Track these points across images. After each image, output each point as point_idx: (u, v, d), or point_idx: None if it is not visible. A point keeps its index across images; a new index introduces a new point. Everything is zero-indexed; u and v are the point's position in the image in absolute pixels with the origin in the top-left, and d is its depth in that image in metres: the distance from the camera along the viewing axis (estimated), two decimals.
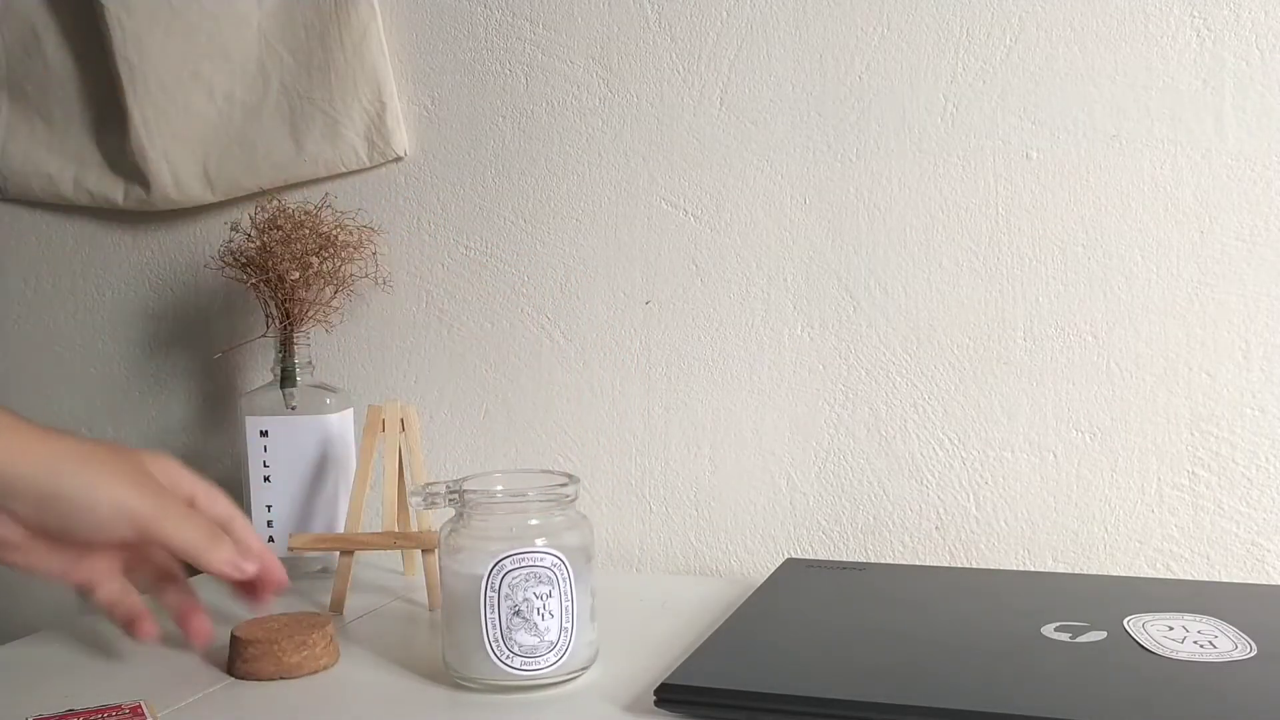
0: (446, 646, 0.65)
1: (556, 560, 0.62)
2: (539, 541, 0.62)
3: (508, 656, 0.62)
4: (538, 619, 0.62)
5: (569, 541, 0.63)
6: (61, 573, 0.67)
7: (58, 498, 0.61)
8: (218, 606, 0.85)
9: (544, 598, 0.62)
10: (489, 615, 0.61)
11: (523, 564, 0.61)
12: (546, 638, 0.62)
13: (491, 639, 0.62)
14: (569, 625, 0.62)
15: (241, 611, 0.76)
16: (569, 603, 0.62)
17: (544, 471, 0.68)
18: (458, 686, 0.64)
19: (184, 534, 0.63)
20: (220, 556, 0.64)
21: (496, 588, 0.61)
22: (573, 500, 0.65)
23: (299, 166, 1.03)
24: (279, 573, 0.68)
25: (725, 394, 0.92)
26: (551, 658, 0.62)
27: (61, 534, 0.63)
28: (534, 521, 0.63)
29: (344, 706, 0.63)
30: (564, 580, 0.62)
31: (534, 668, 0.62)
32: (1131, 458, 0.82)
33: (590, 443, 0.96)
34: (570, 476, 0.66)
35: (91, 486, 0.61)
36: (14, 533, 0.63)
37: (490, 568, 0.61)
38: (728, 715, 0.58)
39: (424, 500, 0.65)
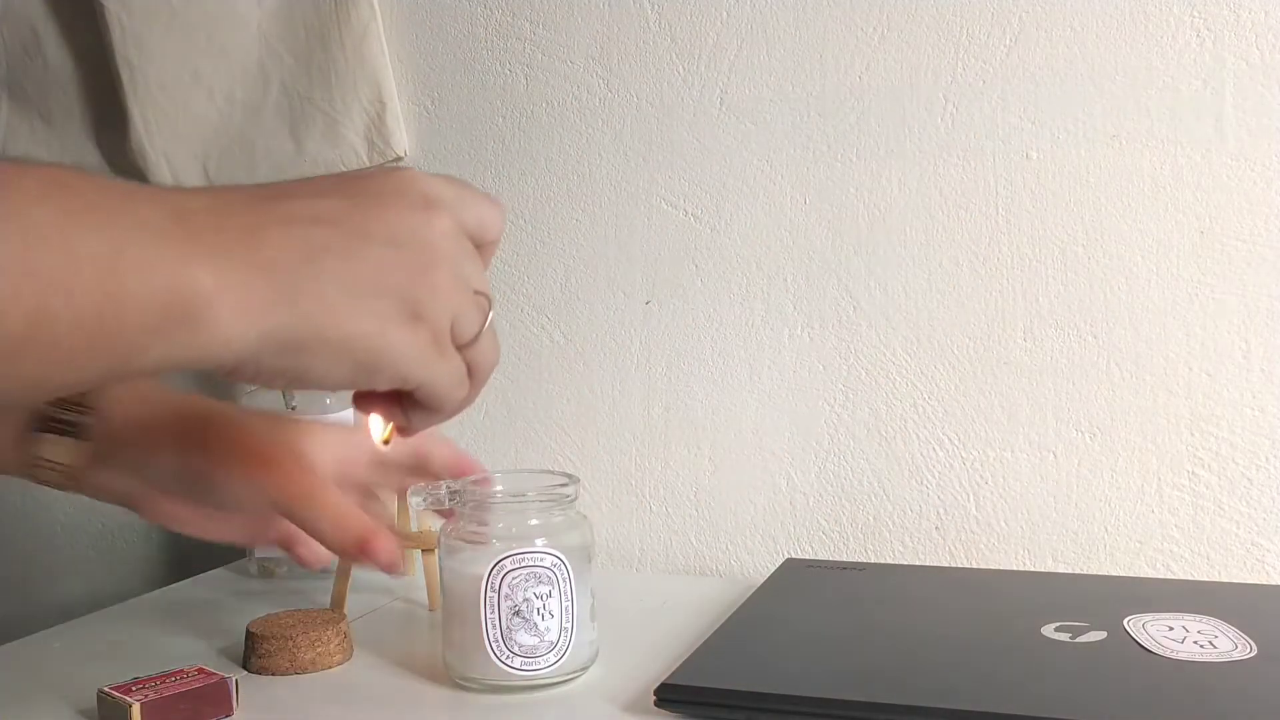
0: (446, 646, 0.65)
1: (556, 560, 0.62)
2: (539, 541, 0.62)
3: (508, 656, 0.62)
4: (538, 619, 0.62)
5: (569, 541, 0.63)
6: (245, 535, 0.64)
7: (190, 473, 0.59)
8: (233, 599, 0.85)
9: (544, 598, 0.62)
10: (489, 615, 0.61)
11: (523, 564, 0.61)
12: (547, 638, 0.62)
13: (491, 639, 0.62)
14: (569, 625, 0.62)
15: (254, 608, 0.76)
16: (569, 603, 0.62)
17: (544, 471, 0.68)
18: (458, 686, 0.64)
19: (321, 525, 0.57)
20: (347, 538, 0.57)
21: (496, 588, 0.61)
22: (573, 500, 0.65)
23: (299, 167, 1.03)
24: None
25: (725, 394, 0.92)
26: (551, 658, 0.62)
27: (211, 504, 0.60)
28: (534, 521, 0.63)
29: (356, 703, 0.64)
30: (564, 580, 0.62)
31: (534, 668, 0.62)
32: (1131, 458, 0.82)
33: (590, 443, 0.96)
34: (570, 476, 0.66)
35: (221, 476, 0.58)
36: (177, 509, 0.61)
37: (490, 568, 0.61)
38: (728, 715, 0.58)
39: (424, 500, 0.65)
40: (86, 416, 0.60)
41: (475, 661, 0.62)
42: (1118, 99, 0.81)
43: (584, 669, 0.65)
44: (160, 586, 0.96)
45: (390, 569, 0.58)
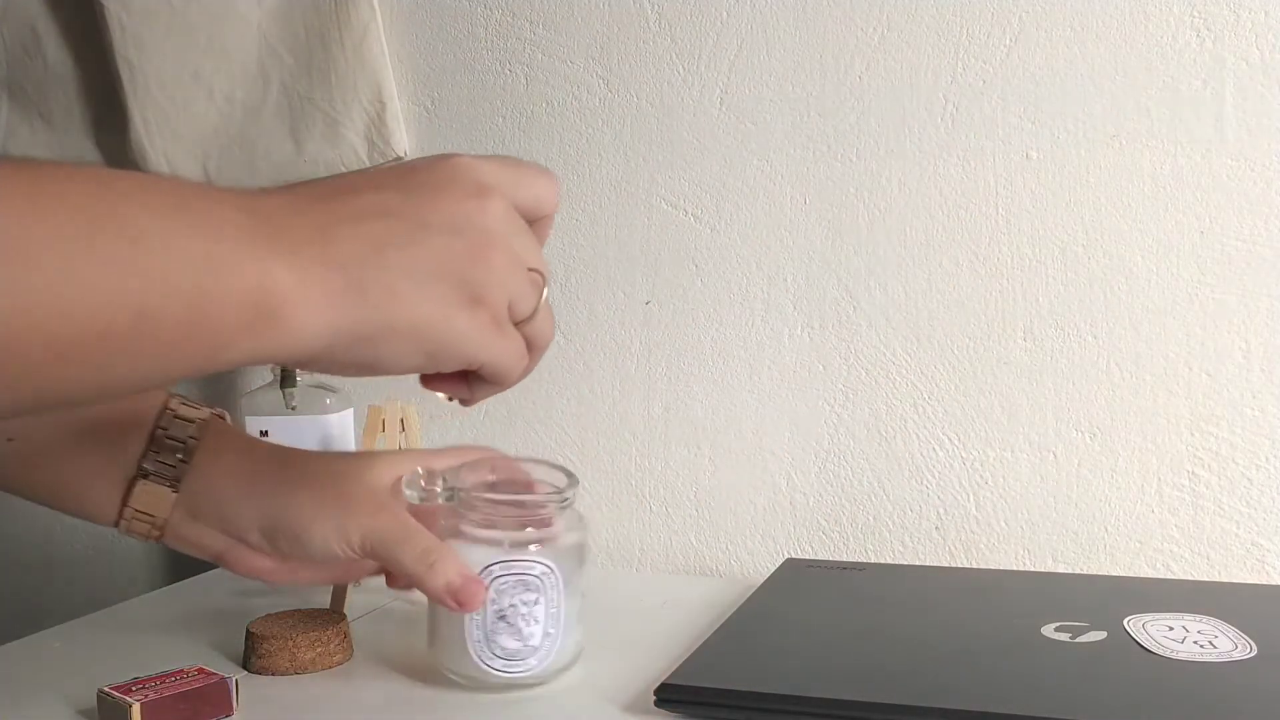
0: (431, 637, 0.64)
1: (546, 569, 0.61)
2: (531, 548, 0.61)
3: (489, 658, 0.61)
4: (522, 624, 0.61)
5: (563, 544, 0.63)
6: (336, 578, 0.66)
7: (276, 528, 0.60)
8: (233, 599, 0.85)
9: (530, 604, 0.61)
10: (473, 617, 0.61)
11: (511, 571, 0.61)
12: (530, 643, 0.61)
13: (474, 639, 0.61)
14: (554, 630, 0.62)
15: (254, 608, 0.76)
16: (555, 609, 0.62)
17: (544, 463, 0.66)
18: (462, 687, 0.64)
19: (407, 559, 0.59)
20: (437, 584, 0.59)
21: (486, 589, 0.60)
22: (570, 503, 0.64)
23: (299, 167, 1.03)
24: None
25: (725, 394, 0.92)
26: (533, 661, 0.62)
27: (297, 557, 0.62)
28: (530, 530, 0.62)
29: (356, 703, 0.64)
30: (552, 588, 0.61)
31: (515, 670, 0.61)
32: (1131, 458, 0.82)
33: (590, 443, 0.96)
34: (570, 477, 0.65)
35: (302, 527, 0.60)
36: (263, 561, 0.62)
37: (479, 572, 0.61)
38: (728, 715, 0.58)
39: (418, 496, 0.63)
40: (181, 468, 0.61)
41: (456, 657, 0.62)
42: (1118, 99, 0.81)
43: (566, 668, 0.64)
44: (160, 586, 0.96)
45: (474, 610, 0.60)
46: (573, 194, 0.96)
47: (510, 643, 0.61)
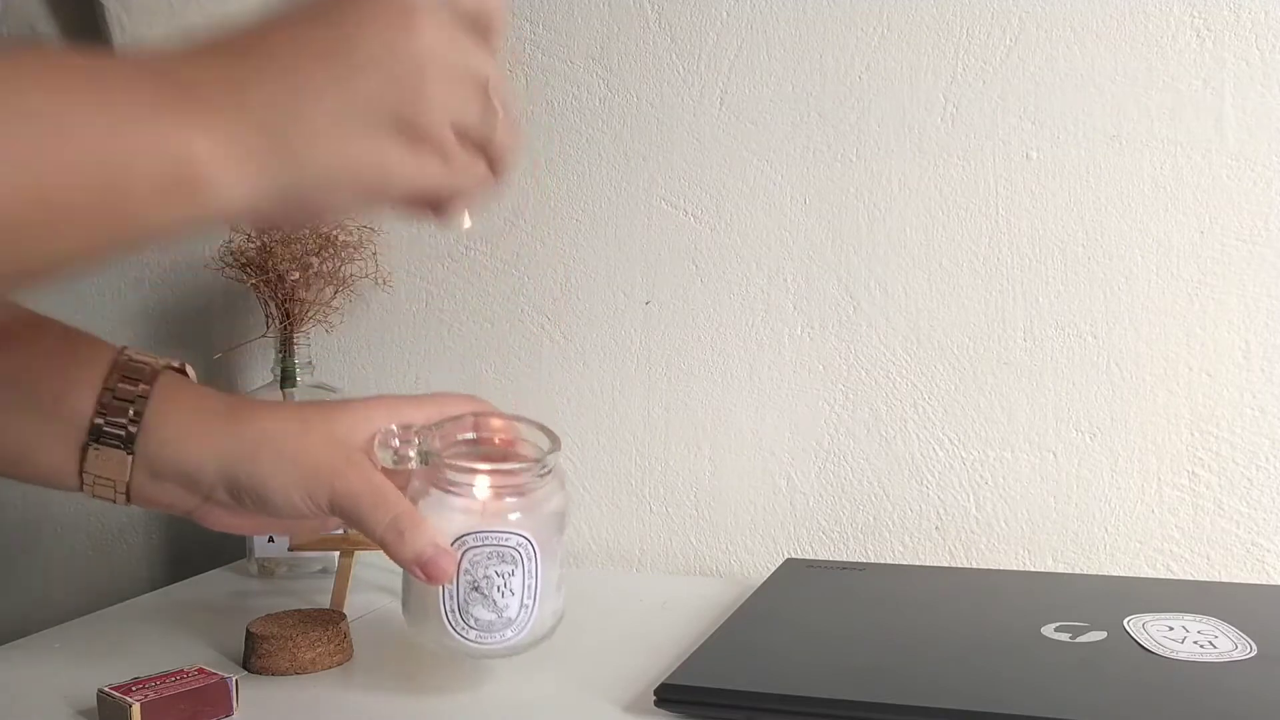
0: (405, 603, 0.62)
1: (523, 540, 0.59)
2: (510, 518, 0.60)
3: (463, 629, 0.59)
4: (497, 596, 0.59)
5: (542, 511, 0.61)
6: (313, 529, 0.63)
7: (239, 488, 0.57)
8: (233, 599, 0.85)
9: (506, 576, 0.59)
10: (446, 587, 0.59)
11: (486, 542, 0.59)
12: (505, 614, 0.59)
13: (448, 609, 0.59)
14: (530, 602, 0.60)
15: (254, 608, 0.76)
16: (532, 580, 0.60)
17: (525, 420, 0.63)
18: (465, 689, 0.64)
19: (376, 526, 0.57)
20: (406, 554, 0.57)
21: (457, 561, 0.59)
22: (549, 470, 0.61)
23: None
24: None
25: (725, 394, 0.92)
26: (509, 633, 0.60)
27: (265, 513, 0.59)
28: (509, 499, 0.60)
29: (356, 703, 0.64)
30: (529, 559, 0.60)
31: (489, 642, 0.60)
32: (1131, 458, 0.82)
33: (590, 443, 0.96)
34: (552, 439, 0.62)
35: (265, 487, 0.57)
36: (234, 519, 0.60)
37: (452, 542, 0.59)
38: (728, 715, 0.58)
39: (391, 458, 0.59)
40: (133, 428, 0.58)
41: (429, 628, 0.60)
42: (1118, 99, 0.81)
43: (545, 638, 0.62)
44: (160, 586, 0.96)
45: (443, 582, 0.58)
46: (573, 194, 0.96)
47: (485, 614, 0.59)
